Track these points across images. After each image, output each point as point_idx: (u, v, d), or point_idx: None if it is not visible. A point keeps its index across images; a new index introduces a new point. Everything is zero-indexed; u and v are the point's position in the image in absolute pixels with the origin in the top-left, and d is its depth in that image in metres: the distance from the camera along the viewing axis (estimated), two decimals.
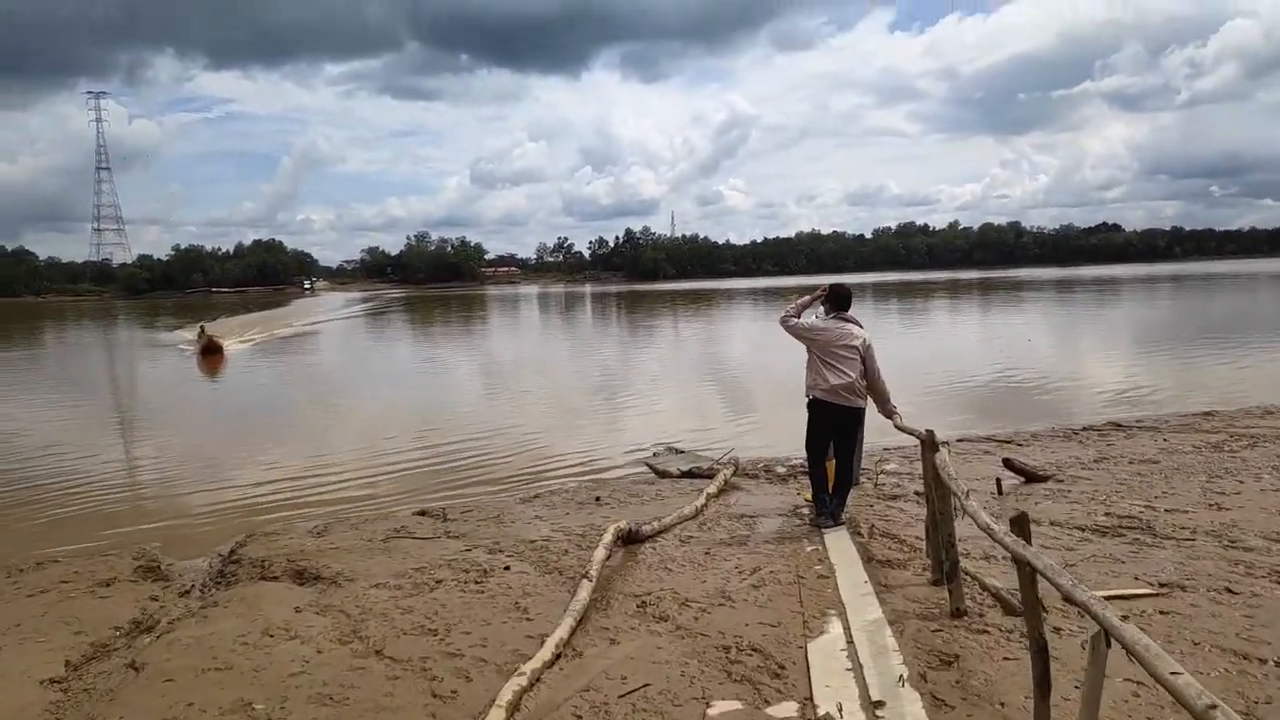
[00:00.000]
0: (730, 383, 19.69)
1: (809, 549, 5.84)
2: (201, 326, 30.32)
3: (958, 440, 11.33)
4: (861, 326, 6.58)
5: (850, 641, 3.99)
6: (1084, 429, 11.74)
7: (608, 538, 5.67)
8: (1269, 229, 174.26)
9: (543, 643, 4.12)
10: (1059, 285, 70.87)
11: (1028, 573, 2.70)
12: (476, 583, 5.59)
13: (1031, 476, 7.88)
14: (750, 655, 3.94)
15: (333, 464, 11.47)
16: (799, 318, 6.66)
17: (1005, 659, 3.67)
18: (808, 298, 6.78)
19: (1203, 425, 11.22)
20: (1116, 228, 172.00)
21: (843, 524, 6.46)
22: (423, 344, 33.18)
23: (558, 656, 4.03)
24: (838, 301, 6.63)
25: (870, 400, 6.62)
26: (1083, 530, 6.01)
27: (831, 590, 4.85)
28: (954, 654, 3.74)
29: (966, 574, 4.41)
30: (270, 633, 4.89)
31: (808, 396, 6.65)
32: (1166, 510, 6.31)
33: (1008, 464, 7.95)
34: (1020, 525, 2.78)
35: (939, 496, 4.24)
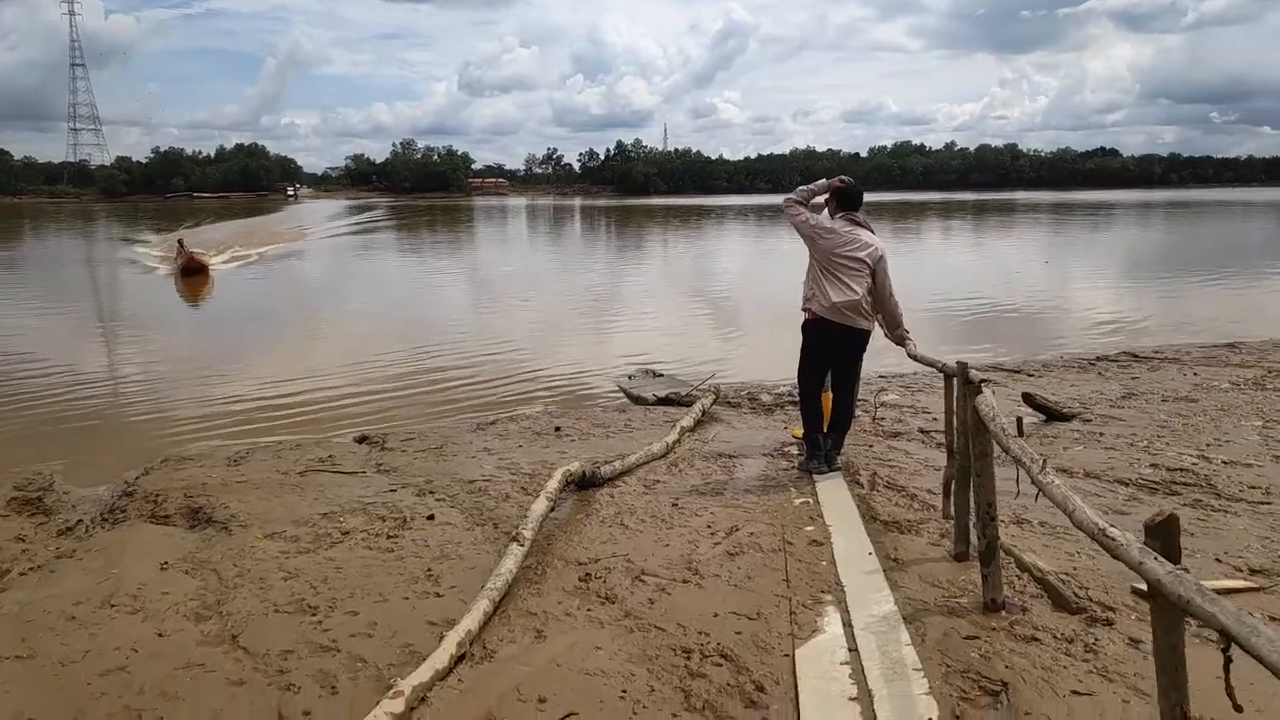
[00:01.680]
0: (717, 302, 18.57)
1: (798, 501, 4.80)
2: (179, 240, 25.15)
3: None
4: (873, 232, 5.43)
5: (853, 649, 2.96)
6: (1098, 359, 10.75)
7: (552, 485, 4.60)
8: (1266, 157, 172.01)
9: (442, 638, 3.07)
10: (1054, 209, 69.39)
11: (1170, 613, 1.64)
12: (389, 536, 4.54)
13: (1055, 414, 6.85)
14: (718, 666, 2.90)
15: (292, 382, 10.39)
16: (806, 206, 5.49)
17: (1074, 692, 2.65)
18: (822, 183, 5.58)
19: (1230, 359, 10.21)
20: (1114, 152, 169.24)
21: (838, 469, 5.42)
22: (413, 260, 31.23)
23: (460, 659, 2.99)
24: (846, 199, 5.45)
25: (877, 323, 5.51)
26: (1127, 485, 4.99)
27: (826, 563, 3.81)
28: (999, 679, 2.72)
29: (1005, 552, 3.37)
30: (114, 601, 3.84)
31: (804, 313, 5.54)
32: (1225, 462, 5.29)
33: (1028, 399, 6.90)
34: (1166, 537, 1.70)
35: (978, 454, 3.17)
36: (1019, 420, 6.38)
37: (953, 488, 4.08)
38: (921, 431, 6.74)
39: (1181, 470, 5.15)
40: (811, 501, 4.78)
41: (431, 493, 5.46)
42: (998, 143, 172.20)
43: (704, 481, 5.29)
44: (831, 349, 5.43)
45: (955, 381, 3.96)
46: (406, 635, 3.27)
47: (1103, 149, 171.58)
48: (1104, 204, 78.14)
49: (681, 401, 8.55)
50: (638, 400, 9.27)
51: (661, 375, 10.67)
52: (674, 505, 4.76)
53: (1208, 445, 5.72)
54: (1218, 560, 3.66)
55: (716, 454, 6.06)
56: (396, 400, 9.61)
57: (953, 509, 4.24)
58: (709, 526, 4.37)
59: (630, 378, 10.56)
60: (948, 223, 52.52)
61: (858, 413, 7.55)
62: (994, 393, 3.33)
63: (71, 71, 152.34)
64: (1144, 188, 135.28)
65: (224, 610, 3.67)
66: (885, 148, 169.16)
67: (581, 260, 30.83)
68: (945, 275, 22.61)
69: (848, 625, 3.15)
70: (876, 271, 5.33)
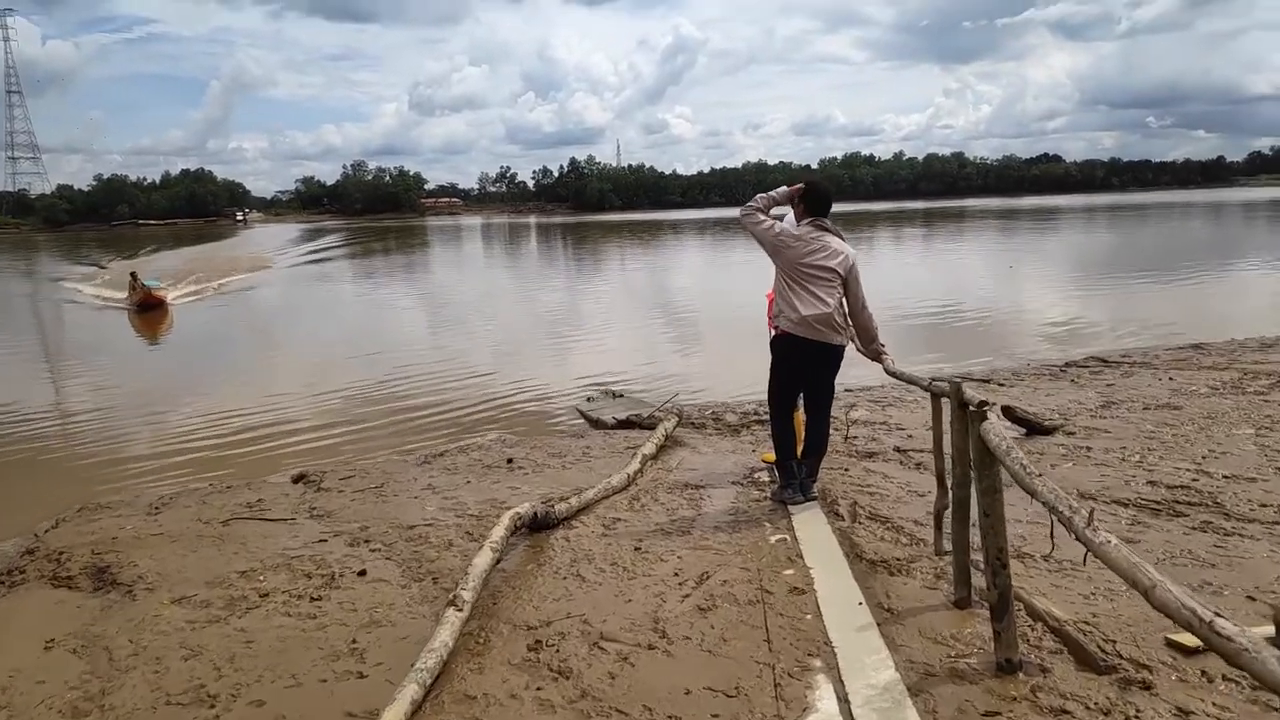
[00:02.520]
0: (678, 318, 18.17)
1: (774, 539, 4.32)
2: (132, 273, 22.79)
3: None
4: (844, 239, 5.00)
5: None
6: (1068, 365, 10.51)
7: (498, 533, 4.07)
8: (1202, 160, 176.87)
9: None
10: (1003, 215, 70.36)
11: None
12: (313, 599, 3.98)
13: (1037, 428, 6.47)
14: None
15: (238, 418, 9.93)
16: (766, 214, 5.03)
17: None
18: (784, 189, 5.13)
19: (1201, 361, 10.00)
20: (1057, 158, 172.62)
21: (814, 498, 4.96)
22: (373, 286, 29.96)
23: None
24: (814, 203, 5.00)
25: (850, 337, 5.07)
26: (1127, 506, 4.59)
27: (811, 616, 3.33)
28: None
29: (1017, 600, 2.92)
30: None
31: (771, 329, 5.08)
32: (1226, 476, 4.92)
33: (1007, 412, 6.51)
34: None
35: (984, 490, 2.71)
36: (994, 407, 5.98)
37: (947, 522, 3.63)
38: (898, 451, 6.32)
39: (1182, 488, 4.76)
40: (789, 539, 4.30)
41: (366, 542, 4.90)
42: (944, 151, 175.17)
43: (669, 518, 4.80)
44: (804, 367, 4.98)
45: (946, 404, 3.53)
46: None
47: (1046, 155, 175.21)
48: (1051, 209, 79.50)
49: (643, 424, 8.09)
50: (597, 424, 8.81)
51: (622, 396, 10.22)
52: (636, 549, 4.25)
53: (1204, 458, 5.36)
54: (1250, 598, 3.25)
55: (682, 484, 5.56)
56: (345, 433, 9.13)
57: (947, 544, 3.81)
58: (676, 574, 3.87)
59: (590, 399, 10.10)
60: (900, 231, 52.83)
61: (830, 432, 7.13)
62: (1003, 420, 2.88)
63: (8, 99, 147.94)
64: (1087, 192, 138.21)
65: (106, 703, 3.09)
66: (835, 159, 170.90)
67: (540, 279, 30.30)
68: (902, 284, 22.44)
69: (843, 700, 2.67)
70: (849, 281, 4.90)
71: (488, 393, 10.89)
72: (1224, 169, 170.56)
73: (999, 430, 2.59)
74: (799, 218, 5.02)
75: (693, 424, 8.06)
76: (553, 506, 4.84)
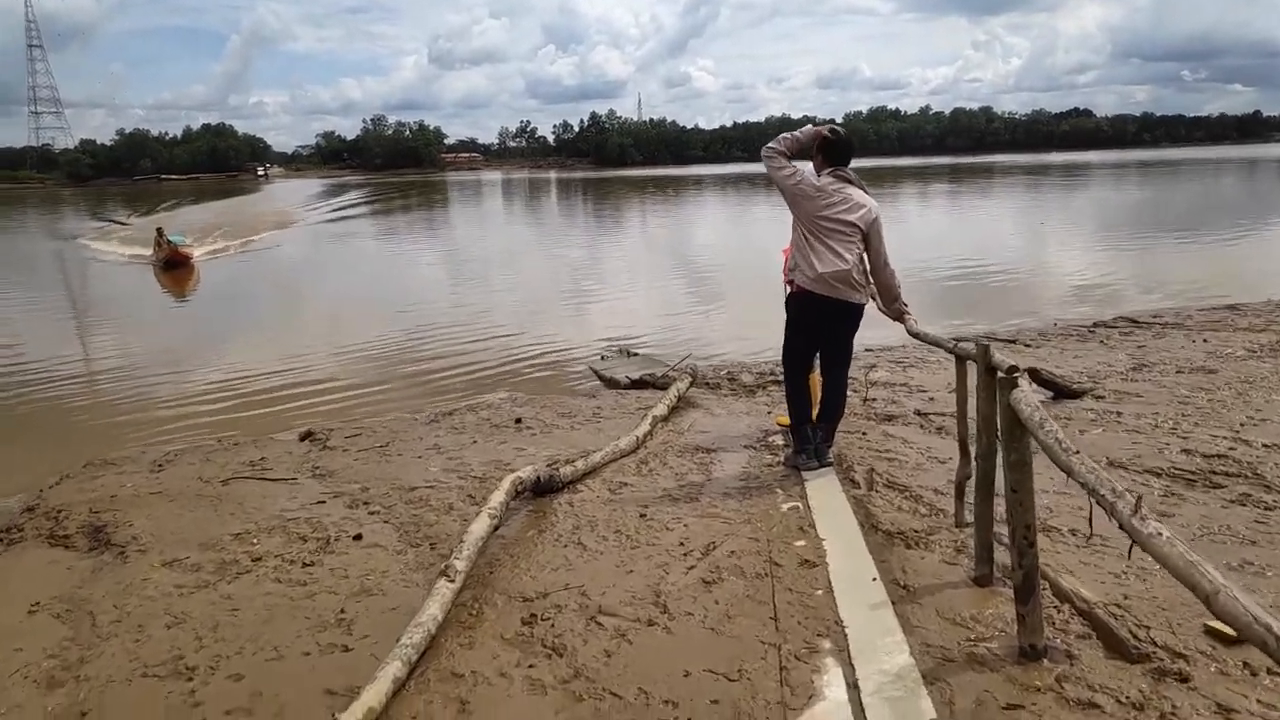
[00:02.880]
0: (697, 275, 17.87)
1: (785, 507, 4.13)
2: (158, 229, 21.93)
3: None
4: (867, 191, 4.72)
5: None
6: (1096, 325, 10.17)
7: (497, 498, 3.90)
8: (1236, 115, 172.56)
9: None
10: (1032, 171, 68.98)
11: None
12: (305, 564, 3.84)
13: (1065, 391, 6.21)
14: None
15: (254, 375, 9.83)
16: (789, 159, 4.75)
17: None
18: (809, 129, 4.82)
19: (1236, 322, 9.65)
20: (1088, 113, 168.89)
21: (829, 464, 4.75)
22: (397, 242, 29.48)
23: None
24: (835, 153, 4.71)
25: (871, 296, 4.82)
26: (1160, 476, 4.35)
27: (822, 592, 3.14)
28: None
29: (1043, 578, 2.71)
30: None
31: (787, 286, 4.84)
32: (1266, 445, 4.65)
33: (1033, 375, 6.25)
34: None
35: (1013, 463, 2.50)
36: (1025, 371, 5.74)
37: (969, 494, 3.42)
38: (919, 414, 6.09)
39: (1219, 457, 4.51)
40: (801, 507, 4.11)
41: (366, 504, 4.76)
42: (972, 106, 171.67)
43: (677, 484, 4.61)
44: (820, 326, 4.75)
45: (972, 367, 3.30)
46: (295, 713, 2.59)
47: (1076, 110, 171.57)
48: (1081, 165, 77.88)
49: (656, 384, 7.90)
50: (610, 383, 8.64)
51: (636, 354, 10.03)
52: (641, 516, 4.07)
53: (1241, 425, 5.09)
54: None
55: (692, 447, 5.37)
56: (358, 391, 9.04)
57: (968, 516, 3.60)
58: (681, 544, 3.69)
59: (603, 358, 9.92)
60: (926, 187, 51.92)
61: (848, 394, 6.91)
62: (1031, 385, 2.65)
63: (29, 53, 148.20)
64: (1118, 148, 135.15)
65: (83, 674, 2.96)
66: (860, 113, 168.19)
67: (559, 236, 29.98)
68: (927, 240, 21.98)
69: (853, 687, 2.48)
70: (870, 236, 4.64)
71: (503, 350, 10.74)
72: (1260, 124, 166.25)
73: (1031, 399, 2.36)
74: (818, 169, 4.74)
75: (707, 384, 7.86)
76: (557, 470, 4.67)
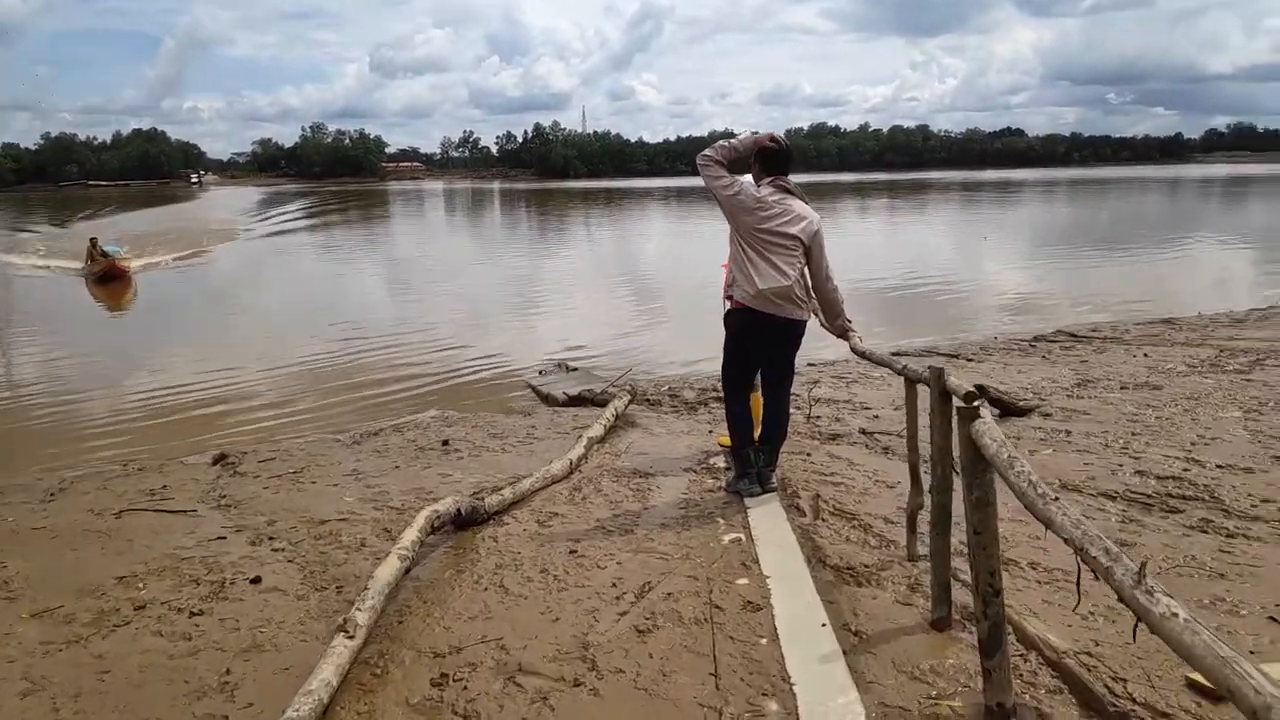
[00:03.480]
0: (640, 288, 17.59)
1: (727, 539, 3.84)
2: (92, 240, 20.53)
3: (891, 354, 9.56)
4: (807, 202, 4.48)
5: None
6: (1036, 339, 10.14)
7: (409, 537, 3.54)
8: (1160, 136, 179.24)
9: None
10: (966, 188, 70.43)
11: None
12: (193, 613, 3.42)
13: (1012, 409, 6.05)
14: None
15: (173, 391, 9.21)
16: (725, 169, 4.47)
17: None
18: (746, 138, 4.56)
19: (1173, 336, 9.68)
20: (1020, 133, 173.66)
21: (773, 489, 4.48)
22: (337, 254, 28.42)
23: None
24: (774, 162, 4.47)
25: (813, 309, 4.58)
26: (1115, 499, 4.16)
27: (767, 641, 2.85)
28: None
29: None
30: None
31: (726, 301, 4.58)
32: (1220, 466, 4.51)
33: (980, 392, 6.08)
34: None
35: (976, 502, 2.23)
36: (984, 398, 5.56)
37: (921, 525, 3.17)
38: (864, 434, 5.87)
39: (1174, 479, 4.35)
40: (744, 538, 3.82)
41: (271, 539, 4.35)
42: (909, 124, 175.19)
43: (611, 513, 4.29)
44: (761, 345, 4.48)
45: (924, 390, 3.05)
46: None
47: (1009, 129, 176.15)
48: (1014, 182, 79.77)
49: (595, 400, 7.59)
50: (547, 400, 8.30)
51: (575, 369, 9.71)
52: (571, 552, 3.74)
53: (1192, 445, 4.95)
54: (1273, 619, 2.82)
55: (629, 471, 5.06)
56: (285, 407, 8.56)
57: (921, 549, 3.35)
58: (614, 584, 3.37)
59: (541, 373, 9.57)
60: (865, 203, 52.60)
61: (790, 411, 6.67)
62: (994, 414, 2.40)
63: None
64: (1049, 166, 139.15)
65: None
66: (802, 129, 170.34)
67: (501, 247, 29.45)
68: (866, 254, 22.08)
69: None
70: (812, 250, 4.39)
71: (439, 366, 10.31)
72: (1181, 146, 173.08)
73: (996, 433, 2.10)
74: (757, 178, 4.49)
75: (648, 401, 7.57)
76: (482, 500, 4.32)
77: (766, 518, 4.07)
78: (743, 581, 3.35)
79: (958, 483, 2.42)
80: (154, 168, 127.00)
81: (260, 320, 14.18)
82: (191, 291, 19.35)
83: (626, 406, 6.79)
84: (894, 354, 9.54)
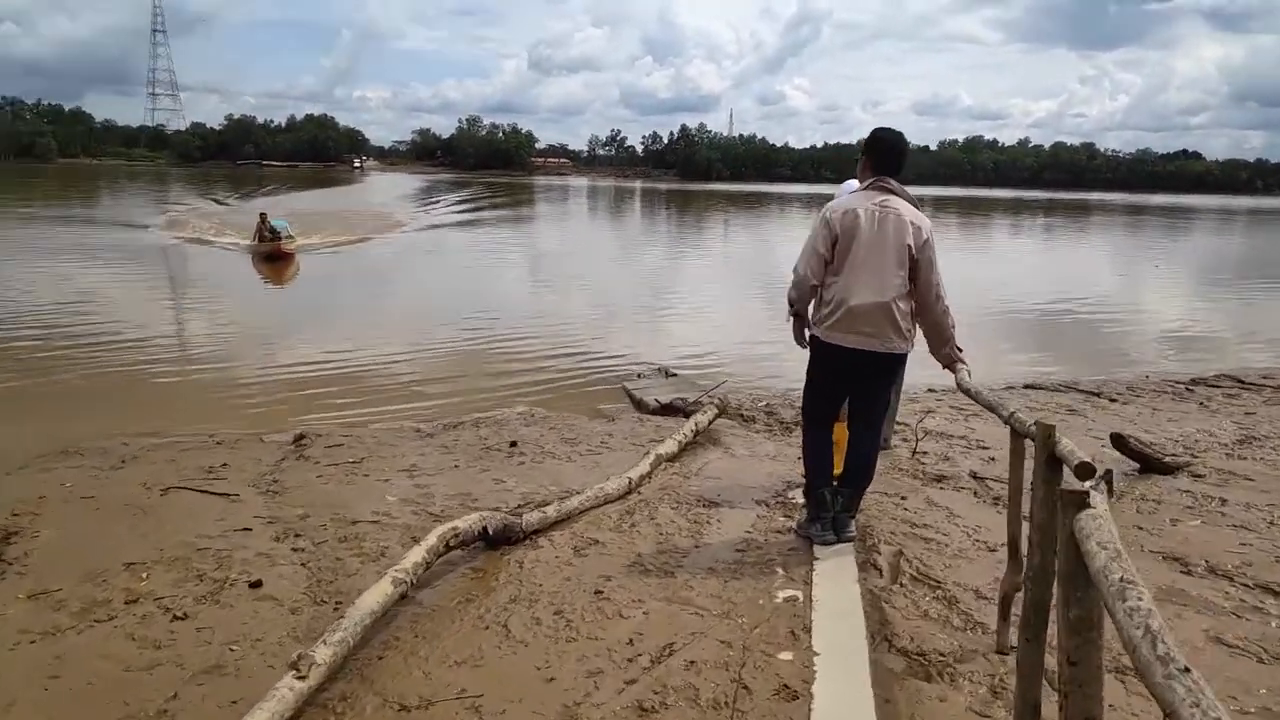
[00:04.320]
0: (769, 293, 16.90)
1: (781, 596, 3.26)
2: (262, 214, 20.52)
3: (1025, 386, 8.62)
4: (917, 206, 3.84)
5: None
6: (1194, 383, 8.94)
7: (414, 557, 3.12)
8: None
9: None
10: (1131, 211, 65.73)
11: None
12: (178, 616, 3.12)
13: (1155, 464, 5.16)
14: None
15: (301, 367, 9.29)
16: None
17: None
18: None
19: None
20: (1197, 156, 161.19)
21: (850, 537, 3.86)
22: (481, 243, 28.22)
23: None
24: (880, 155, 3.86)
25: (918, 334, 3.94)
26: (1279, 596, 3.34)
27: None
28: None
29: None
30: None
31: (809, 327, 3.98)
32: None
33: (1119, 443, 5.23)
34: None
35: (1073, 622, 1.61)
36: (1107, 475, 4.73)
37: (1017, 608, 2.52)
38: (975, 477, 5.13)
39: None
40: (801, 598, 3.23)
41: (296, 535, 4.06)
42: (1074, 141, 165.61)
43: (657, 547, 3.77)
44: (847, 377, 3.89)
45: (1028, 446, 2.40)
46: None
47: (1185, 151, 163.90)
48: (1186, 208, 73.93)
49: (685, 410, 7.09)
50: (639, 405, 7.87)
51: (675, 375, 9.22)
52: (597, 593, 3.24)
53: None
54: None
55: (694, 498, 4.52)
56: (388, 393, 8.41)
57: (1015, 638, 2.68)
58: (632, 641, 2.86)
59: (640, 376, 9.14)
60: (1020, 219, 49.78)
61: (895, 441, 5.98)
62: (1114, 494, 1.76)
63: (152, 38, 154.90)
64: (1228, 193, 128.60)
65: None
66: (956, 141, 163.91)
67: (638, 246, 29.13)
68: (1016, 275, 20.62)
69: None
70: (920, 263, 3.74)
71: (549, 361, 10.08)
72: None
73: (1108, 534, 1.47)
74: (862, 177, 3.88)
75: (741, 416, 7.02)
76: (519, 516, 3.88)
77: (834, 574, 3.46)
78: (785, 656, 2.77)
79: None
80: (321, 151, 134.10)
81: (401, 307, 14.15)
82: (345, 274, 19.45)
83: (711, 422, 6.25)
84: (1027, 386, 8.72)
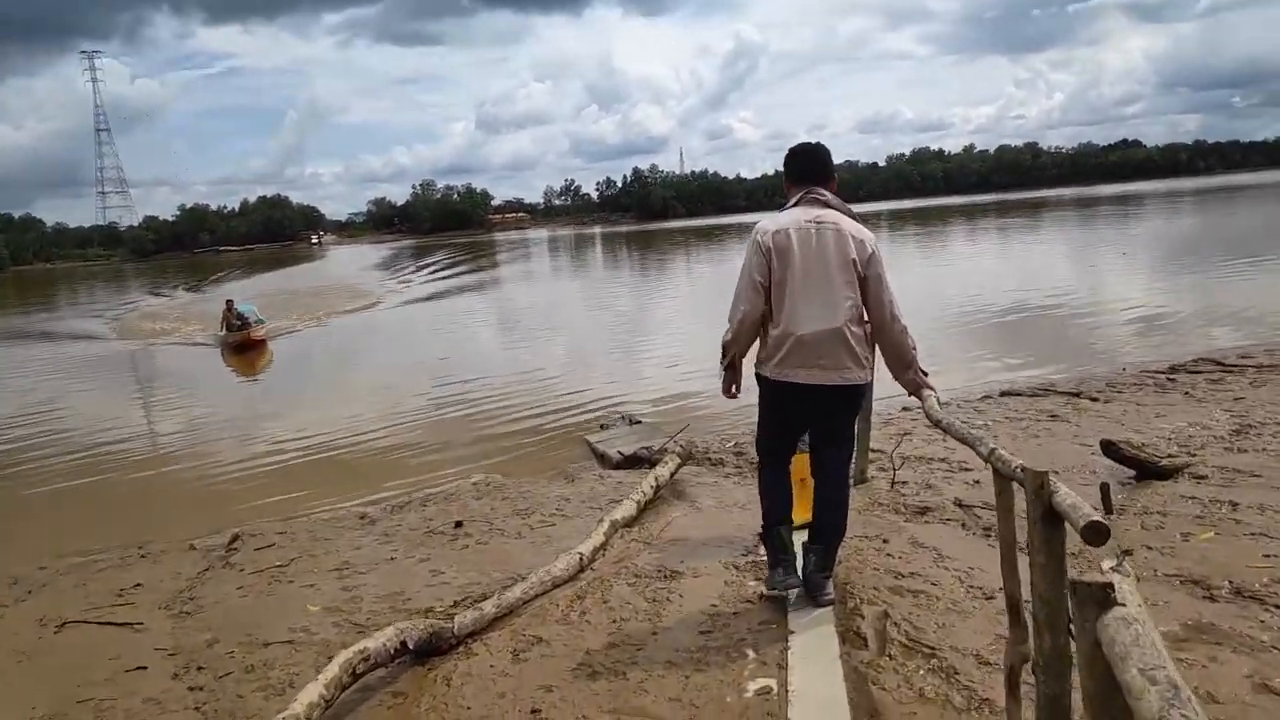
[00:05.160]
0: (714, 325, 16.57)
1: (752, 689, 2.76)
2: (228, 301, 19.28)
3: (1001, 394, 8.23)
4: (855, 217, 3.43)
5: None
6: (1173, 369, 8.60)
7: (304, 698, 2.61)
8: None
9: None
10: (1081, 204, 66.53)
11: None
12: None
13: (1151, 469, 4.74)
14: None
15: (251, 460, 8.85)
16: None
17: None
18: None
19: None
20: (1137, 144, 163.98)
21: (829, 600, 3.37)
22: (447, 306, 27.49)
23: None
24: (799, 169, 3.48)
25: (875, 357, 3.51)
26: None
27: None
28: None
29: None
30: None
31: (757, 367, 3.54)
32: None
33: (1110, 450, 4.80)
34: None
35: (1097, 690, 1.15)
36: (1104, 489, 4.30)
37: (1026, 677, 2.05)
38: (960, 506, 4.68)
39: None
40: (774, 688, 2.74)
41: (200, 668, 3.53)
42: (1017, 142, 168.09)
43: (609, 639, 3.26)
44: (802, 415, 3.45)
45: (1019, 492, 1.96)
46: None
47: (1125, 141, 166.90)
48: (1134, 195, 75.04)
49: (650, 460, 6.65)
50: (602, 459, 7.45)
51: (639, 422, 8.81)
52: (534, 711, 2.73)
53: None
54: None
55: (653, 569, 4.02)
56: (342, 472, 8.06)
57: (1027, 716, 2.21)
58: None
59: (603, 427, 8.72)
60: (975, 223, 50.14)
61: (871, 472, 5.52)
62: (1113, 510, 1.31)
63: (97, 137, 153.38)
64: (1171, 177, 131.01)
65: None
66: (903, 155, 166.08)
67: (600, 289, 28.73)
68: (977, 277, 20.45)
69: None
70: (869, 279, 3.32)
71: (512, 420, 9.79)
72: None
73: (1152, 652, 1.01)
74: (788, 194, 3.48)
75: (709, 460, 6.60)
76: (451, 619, 3.37)
77: (813, 653, 2.97)
78: None
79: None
80: (277, 231, 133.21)
81: (369, 382, 13.37)
82: (315, 354, 18.67)
83: (674, 472, 5.77)
84: (1004, 394, 8.31)
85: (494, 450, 8.43)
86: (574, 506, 5.56)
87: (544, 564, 4.08)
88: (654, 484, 5.37)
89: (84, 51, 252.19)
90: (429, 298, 27.50)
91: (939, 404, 3.26)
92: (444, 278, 35.49)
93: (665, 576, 3.90)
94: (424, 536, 5.21)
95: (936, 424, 3.11)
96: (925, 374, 3.45)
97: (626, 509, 4.86)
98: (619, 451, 7.26)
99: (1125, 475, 4.79)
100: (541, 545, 4.73)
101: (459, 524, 5.34)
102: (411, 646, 3.09)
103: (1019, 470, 1.98)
